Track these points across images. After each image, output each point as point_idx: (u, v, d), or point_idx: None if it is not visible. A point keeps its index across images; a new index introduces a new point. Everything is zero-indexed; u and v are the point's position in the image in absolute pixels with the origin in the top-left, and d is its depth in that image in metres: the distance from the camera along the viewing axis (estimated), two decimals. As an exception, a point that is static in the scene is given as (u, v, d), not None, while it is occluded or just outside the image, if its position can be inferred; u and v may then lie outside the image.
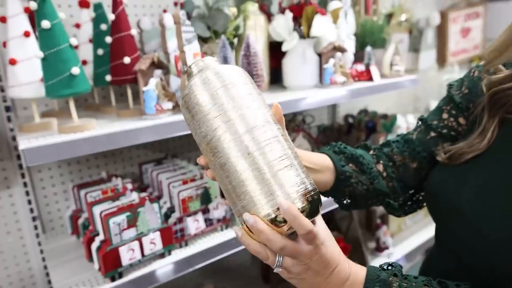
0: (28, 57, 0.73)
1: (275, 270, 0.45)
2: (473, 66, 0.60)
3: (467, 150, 0.52)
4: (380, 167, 0.63)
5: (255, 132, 0.41)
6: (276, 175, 0.40)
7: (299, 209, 0.40)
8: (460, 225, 0.50)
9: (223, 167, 0.42)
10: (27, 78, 0.74)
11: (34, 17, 0.67)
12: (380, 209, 1.48)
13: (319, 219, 0.45)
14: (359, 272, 0.47)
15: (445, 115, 0.60)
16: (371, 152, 0.65)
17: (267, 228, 0.39)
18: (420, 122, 0.64)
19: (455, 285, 0.46)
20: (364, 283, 0.45)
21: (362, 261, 1.42)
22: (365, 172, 0.61)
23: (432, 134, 0.61)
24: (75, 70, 0.69)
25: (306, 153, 0.59)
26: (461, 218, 0.49)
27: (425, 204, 0.65)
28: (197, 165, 1.12)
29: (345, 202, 0.64)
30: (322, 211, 1.18)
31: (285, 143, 0.43)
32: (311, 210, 0.41)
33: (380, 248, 1.44)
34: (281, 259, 0.43)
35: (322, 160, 0.60)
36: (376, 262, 1.42)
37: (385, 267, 0.47)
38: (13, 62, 0.72)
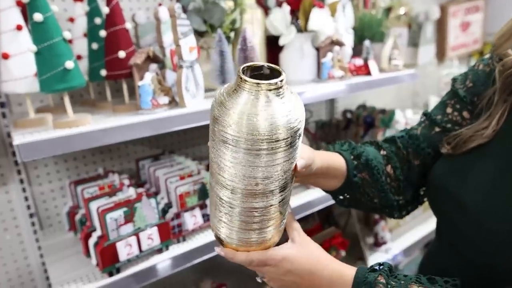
0: (21, 51, 0.72)
1: (257, 279, 0.51)
2: (478, 60, 0.59)
3: (472, 137, 0.52)
4: (389, 168, 0.62)
5: (259, 199, 0.41)
6: (248, 231, 0.44)
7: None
8: (461, 218, 0.49)
9: (215, 193, 0.44)
10: (21, 72, 0.73)
11: (26, 10, 0.66)
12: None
13: (293, 239, 0.50)
14: (348, 274, 0.47)
15: (449, 110, 0.59)
16: (382, 152, 0.64)
17: (229, 251, 0.48)
18: (424, 117, 0.63)
19: (444, 281, 0.46)
20: (352, 286, 0.46)
21: (361, 256, 1.42)
22: (376, 183, 0.60)
23: (437, 129, 0.60)
24: (69, 64, 0.68)
25: (324, 159, 0.56)
26: (462, 211, 0.49)
27: (425, 199, 0.64)
28: (194, 160, 1.11)
29: (344, 203, 0.64)
30: (319, 207, 1.17)
31: (275, 209, 0.44)
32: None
33: (378, 243, 1.45)
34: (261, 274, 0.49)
35: (337, 166, 0.58)
36: (374, 257, 1.42)
37: (376, 267, 0.48)
38: (5, 56, 0.71)
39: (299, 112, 0.39)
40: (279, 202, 0.43)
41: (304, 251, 0.48)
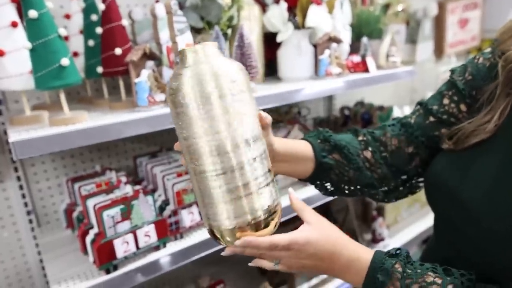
0: (16, 48, 0.72)
1: (274, 266, 0.47)
2: (478, 53, 0.58)
3: (474, 131, 0.51)
4: (368, 153, 0.62)
5: (235, 152, 0.42)
6: (240, 200, 0.43)
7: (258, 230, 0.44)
8: (459, 215, 0.49)
9: (197, 175, 0.43)
10: (16, 69, 0.73)
11: (21, 7, 0.66)
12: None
13: (308, 221, 0.48)
14: (365, 257, 0.47)
15: (446, 101, 0.58)
16: (360, 137, 0.64)
17: (251, 238, 0.43)
18: (418, 106, 0.62)
19: (460, 274, 0.46)
20: (368, 271, 0.46)
21: (358, 253, 1.43)
22: (349, 163, 0.60)
23: (432, 119, 0.59)
24: (65, 61, 0.68)
25: (286, 142, 0.58)
26: (461, 209, 0.49)
27: (417, 190, 0.65)
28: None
29: (325, 189, 0.64)
30: (318, 203, 1.17)
31: (257, 165, 0.43)
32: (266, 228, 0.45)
33: (376, 240, 1.45)
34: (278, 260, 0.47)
35: (303, 150, 0.59)
36: (372, 253, 1.43)
37: (393, 252, 0.48)
38: (1, 53, 0.70)
39: (238, 64, 0.44)
40: (260, 155, 0.44)
41: (323, 232, 0.47)
